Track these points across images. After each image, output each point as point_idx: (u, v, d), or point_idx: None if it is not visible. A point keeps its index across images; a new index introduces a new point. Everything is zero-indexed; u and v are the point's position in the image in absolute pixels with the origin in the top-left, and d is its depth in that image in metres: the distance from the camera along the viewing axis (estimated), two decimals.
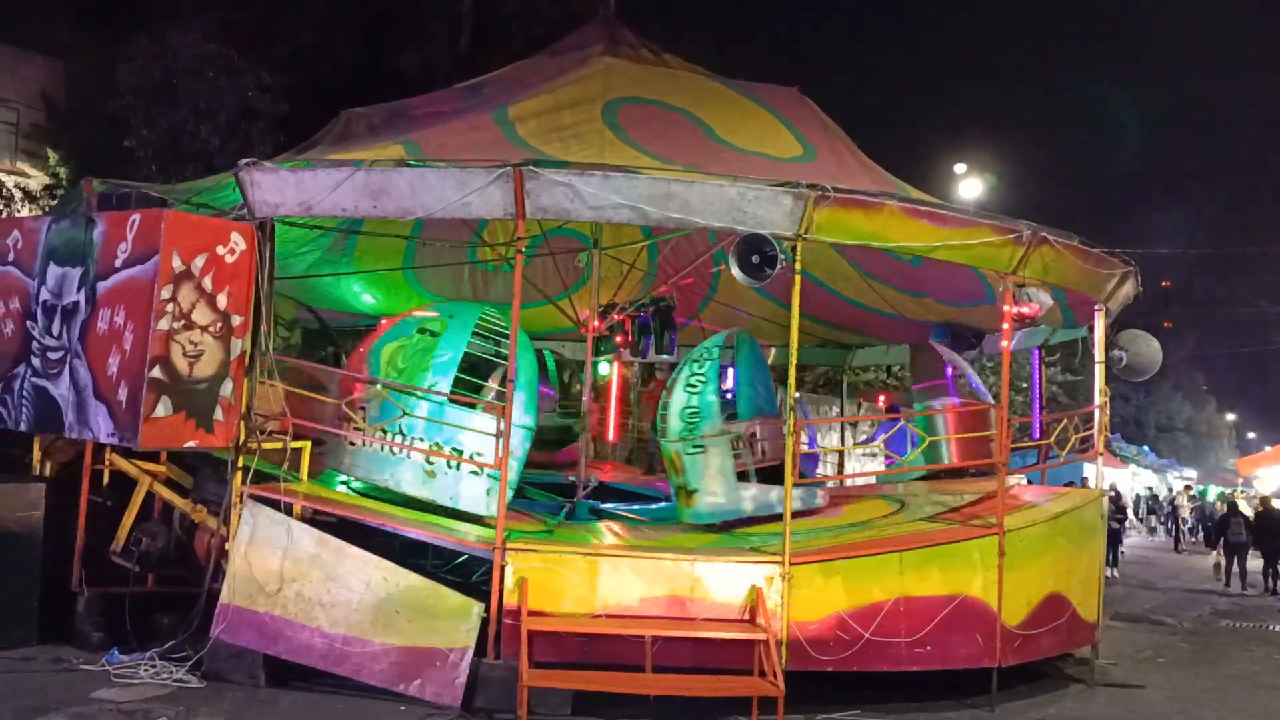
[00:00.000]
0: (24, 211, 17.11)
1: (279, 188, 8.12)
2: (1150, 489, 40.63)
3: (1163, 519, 34.93)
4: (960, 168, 27.82)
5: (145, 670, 7.67)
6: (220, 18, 17.51)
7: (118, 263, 7.91)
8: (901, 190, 9.54)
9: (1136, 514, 35.32)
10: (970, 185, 27.18)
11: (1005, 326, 8.79)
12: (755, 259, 7.79)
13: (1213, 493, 42.47)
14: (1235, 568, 18.95)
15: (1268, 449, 45.05)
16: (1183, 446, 56.34)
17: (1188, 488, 37.23)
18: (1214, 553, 21.48)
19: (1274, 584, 18.50)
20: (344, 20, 19.76)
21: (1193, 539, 30.62)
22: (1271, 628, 14.47)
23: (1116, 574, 18.86)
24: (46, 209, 16.64)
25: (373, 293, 14.53)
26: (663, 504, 12.37)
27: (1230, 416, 68.64)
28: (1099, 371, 10.04)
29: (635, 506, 12.46)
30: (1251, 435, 69.04)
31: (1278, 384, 64.29)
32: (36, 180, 18.40)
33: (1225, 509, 22.24)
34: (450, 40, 20.82)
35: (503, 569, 7.54)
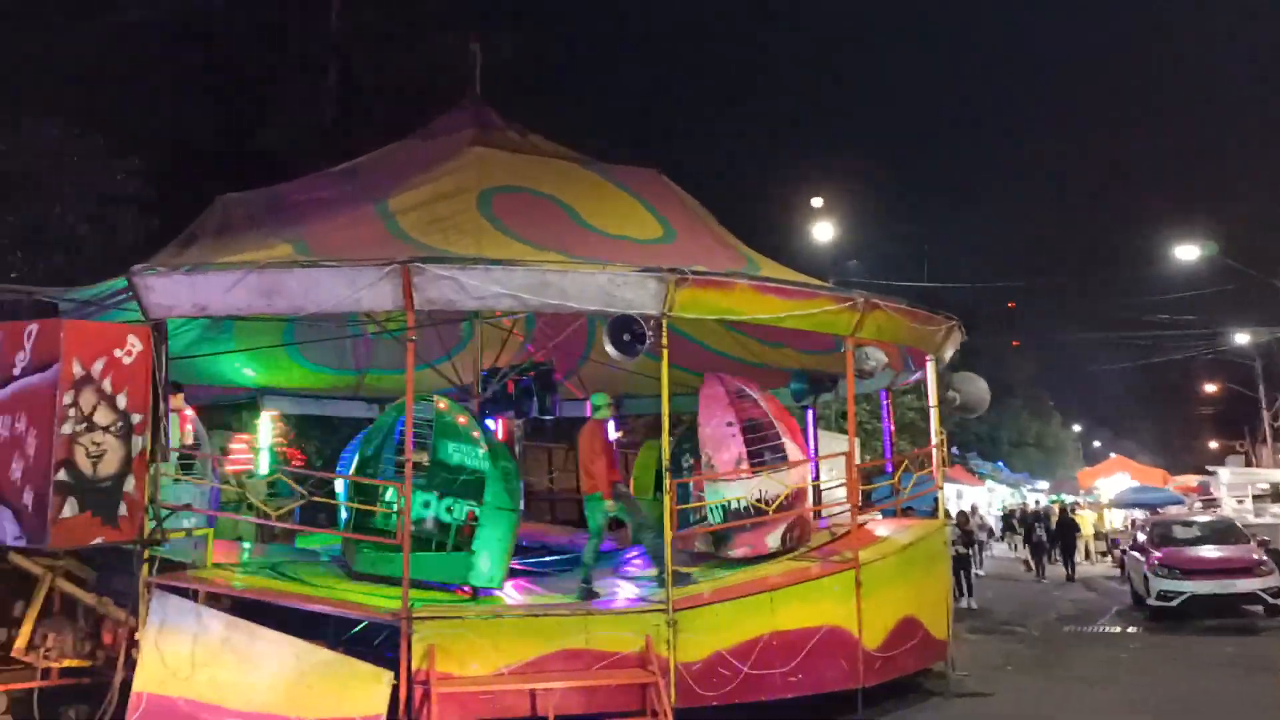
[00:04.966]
0: None
1: (173, 290, 8.53)
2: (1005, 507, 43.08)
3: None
4: (817, 201, 29.90)
5: None
6: (80, 101, 17.45)
7: (16, 371, 8.20)
8: (751, 266, 10.56)
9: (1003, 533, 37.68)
10: (823, 229, 29.18)
11: (848, 383, 9.88)
12: (626, 337, 8.66)
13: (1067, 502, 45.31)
14: (1043, 561, 25.86)
15: (1113, 456, 48.61)
16: (1035, 461, 59.82)
17: (1056, 503, 39.65)
18: (1022, 550, 28.84)
19: (1071, 571, 25.23)
20: (208, 99, 19.91)
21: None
22: (1107, 630, 16.05)
23: (973, 604, 18.75)
24: None
25: (253, 366, 14.79)
26: (554, 557, 13.04)
27: (1076, 428, 73.28)
28: (933, 414, 11.26)
29: (530, 560, 13.07)
30: (1097, 444, 73.93)
31: (1116, 397, 69.11)
32: None
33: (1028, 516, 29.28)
34: (315, 115, 21.18)
35: (409, 636, 8.10)
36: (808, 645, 9.00)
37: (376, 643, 9.07)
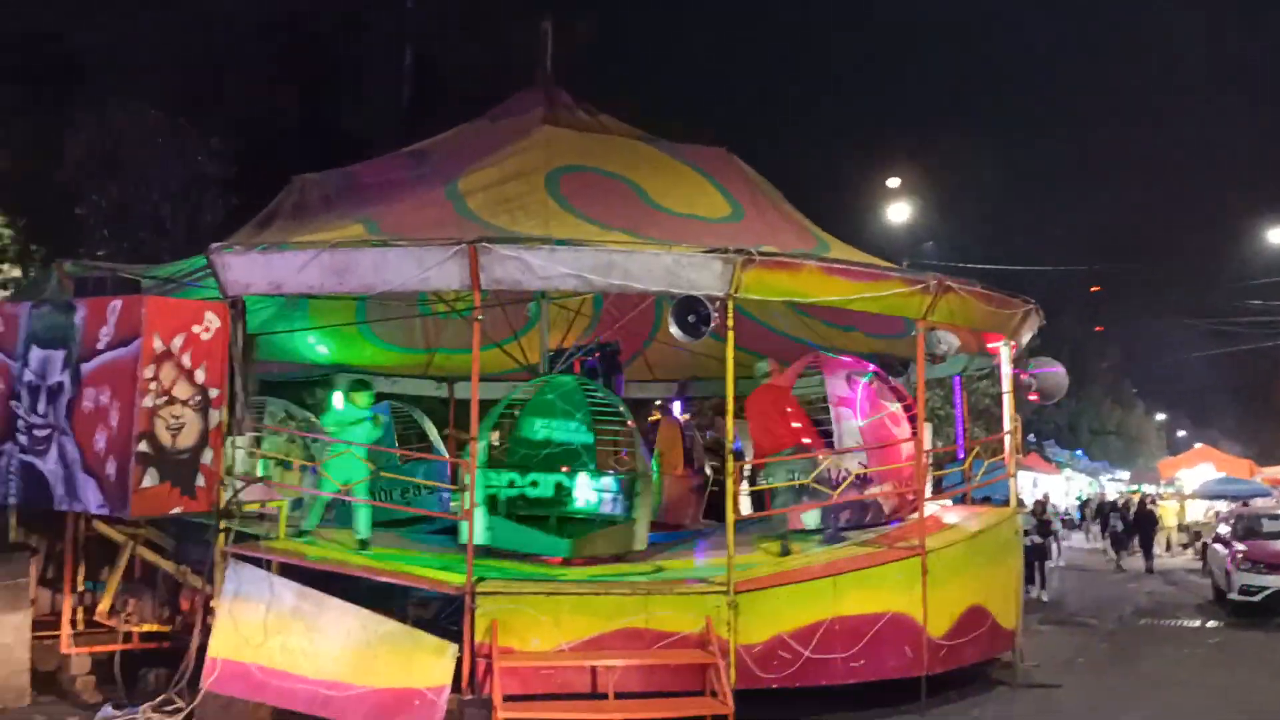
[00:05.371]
0: None
1: (249, 269, 8.76)
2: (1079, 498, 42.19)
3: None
4: (893, 182, 29.33)
5: None
6: (164, 84, 17.95)
7: (100, 345, 8.49)
8: (821, 245, 10.43)
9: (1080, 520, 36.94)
10: (899, 210, 28.64)
11: (919, 367, 9.70)
12: (691, 318, 8.63)
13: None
14: (1120, 552, 25.94)
15: (1198, 446, 47.19)
16: (1115, 450, 58.27)
17: (1134, 493, 38.66)
18: (1101, 541, 28.93)
19: (1150, 564, 24.48)
20: (287, 81, 20.31)
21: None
22: (1185, 624, 15.59)
23: (1044, 595, 18.14)
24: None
25: (327, 344, 15.09)
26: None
27: (1160, 417, 71.06)
28: (1007, 400, 11.01)
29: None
30: (1181, 433, 71.61)
31: (1202, 386, 66.72)
32: None
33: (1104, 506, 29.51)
34: (392, 96, 21.49)
35: (473, 611, 8.22)
36: (871, 631, 8.90)
37: (443, 616, 9.21)
